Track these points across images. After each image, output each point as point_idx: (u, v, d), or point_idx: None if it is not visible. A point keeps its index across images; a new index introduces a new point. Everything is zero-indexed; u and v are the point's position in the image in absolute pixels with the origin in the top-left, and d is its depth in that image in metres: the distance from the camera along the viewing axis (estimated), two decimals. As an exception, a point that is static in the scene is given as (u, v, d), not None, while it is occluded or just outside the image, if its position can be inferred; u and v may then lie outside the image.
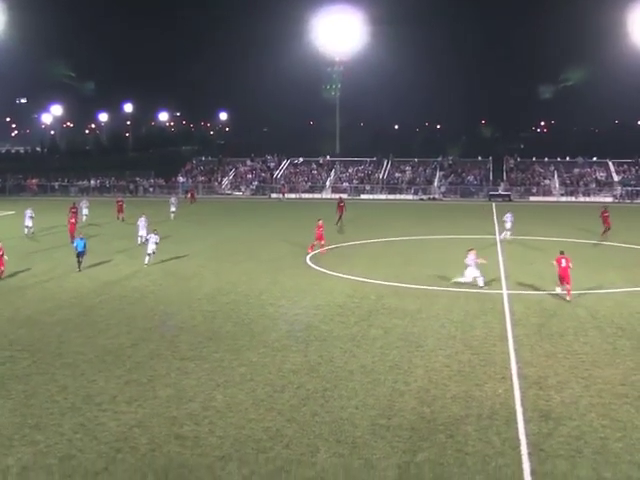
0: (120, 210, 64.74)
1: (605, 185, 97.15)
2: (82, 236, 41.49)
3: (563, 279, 32.64)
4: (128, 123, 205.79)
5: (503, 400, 19.99)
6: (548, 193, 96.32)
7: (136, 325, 28.21)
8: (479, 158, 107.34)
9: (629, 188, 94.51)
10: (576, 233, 55.13)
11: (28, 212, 54.70)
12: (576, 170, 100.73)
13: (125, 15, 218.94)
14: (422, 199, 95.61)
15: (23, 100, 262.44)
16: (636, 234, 54.13)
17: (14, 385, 21.23)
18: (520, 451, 16.87)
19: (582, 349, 24.78)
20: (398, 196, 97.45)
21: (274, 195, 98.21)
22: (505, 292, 33.81)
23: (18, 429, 18.10)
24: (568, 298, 32.18)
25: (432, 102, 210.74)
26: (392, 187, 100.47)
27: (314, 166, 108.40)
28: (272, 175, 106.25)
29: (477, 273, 34.66)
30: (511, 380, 21.61)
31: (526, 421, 18.54)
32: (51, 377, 21.99)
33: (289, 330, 27.76)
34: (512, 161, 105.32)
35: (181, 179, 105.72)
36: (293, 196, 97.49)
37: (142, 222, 49.43)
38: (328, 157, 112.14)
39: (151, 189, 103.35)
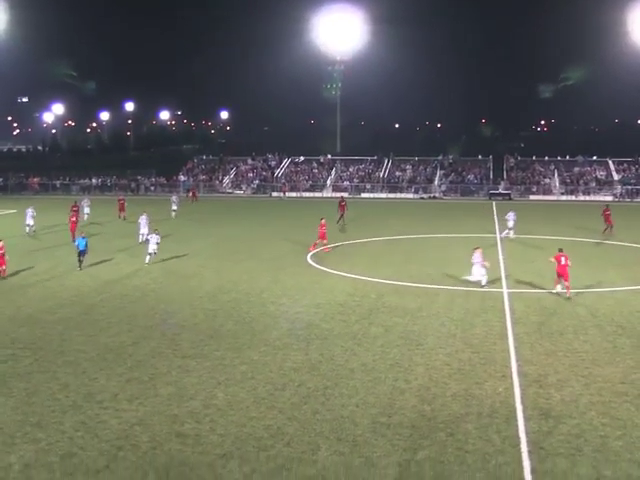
0: (122, 209, 64.77)
1: (605, 184, 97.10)
2: (84, 235, 41.52)
3: (561, 277, 32.74)
4: (129, 122, 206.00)
5: (503, 398, 20.03)
6: (548, 192, 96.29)
7: (137, 323, 28.25)
8: (479, 157, 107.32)
9: (629, 187, 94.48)
10: (576, 232, 55.13)
11: (29, 211, 54.72)
12: (576, 169, 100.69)
13: (126, 15, 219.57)
14: (422, 198, 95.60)
15: (25, 99, 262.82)
16: (636, 233, 54.17)
17: (16, 383, 21.27)
18: (520, 449, 16.90)
19: (582, 347, 24.82)
20: (399, 195, 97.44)
21: (275, 194, 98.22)
22: (505, 290, 33.86)
23: (20, 427, 18.15)
24: (568, 295, 32.27)
25: (432, 101, 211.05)
26: (393, 186, 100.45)
27: (315, 165, 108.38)
28: (273, 174, 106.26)
29: (483, 272, 34.71)
30: (511, 378, 21.65)
31: (526, 419, 18.57)
32: (52, 375, 22.04)
33: (290, 328, 27.82)
34: (512, 160, 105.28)
35: (182, 178, 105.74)
36: (294, 195, 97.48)
37: (143, 220, 49.50)
38: (329, 156, 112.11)
39: (152, 188, 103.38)
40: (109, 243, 49.16)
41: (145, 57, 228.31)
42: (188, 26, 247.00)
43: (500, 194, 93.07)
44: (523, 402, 19.72)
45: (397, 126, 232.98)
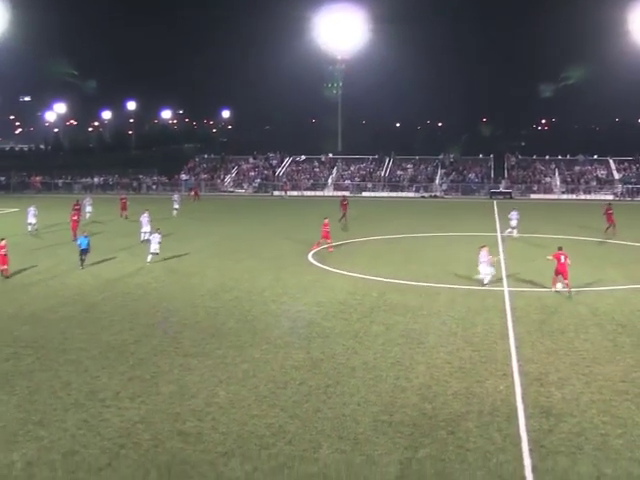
0: (124, 208, 64.77)
1: (606, 183, 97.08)
2: (86, 234, 41.57)
3: (560, 275, 32.87)
4: (131, 121, 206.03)
5: (504, 397, 20.08)
6: (549, 191, 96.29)
7: (139, 322, 28.31)
8: (480, 156, 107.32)
9: (630, 186, 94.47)
10: (578, 231, 55.12)
11: (31, 210, 54.73)
12: (577, 168, 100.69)
13: (128, 14, 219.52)
14: (424, 197, 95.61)
15: (27, 98, 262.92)
16: (637, 232, 54.12)
17: (18, 381, 21.33)
18: (521, 447, 16.95)
19: (583, 346, 24.87)
20: (400, 194, 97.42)
21: (276, 193, 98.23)
22: (506, 289, 33.89)
23: (22, 425, 18.21)
24: (568, 293, 32.45)
25: (433, 100, 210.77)
26: (394, 185, 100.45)
27: (316, 164, 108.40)
28: (274, 173, 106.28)
29: (489, 270, 34.76)
30: (512, 377, 21.70)
31: (527, 417, 18.62)
32: (55, 373, 22.10)
33: (291, 327, 27.92)
34: (513, 159, 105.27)
35: (184, 177, 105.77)
36: (295, 194, 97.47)
37: (145, 218, 49.58)
38: (330, 155, 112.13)
39: (154, 186, 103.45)
40: (111, 242, 49.17)
41: (147, 56, 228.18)
42: (190, 25, 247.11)
43: (501, 193, 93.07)
44: (524, 400, 19.76)
45: (398, 125, 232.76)
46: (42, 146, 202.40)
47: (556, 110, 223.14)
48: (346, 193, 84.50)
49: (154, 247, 40.91)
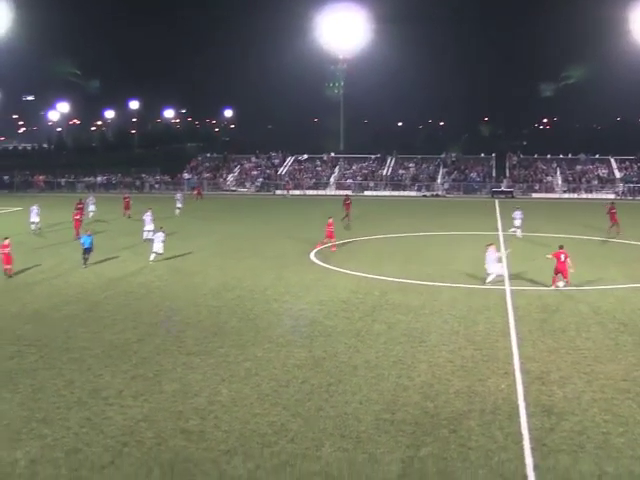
0: (127, 207, 64.81)
1: (607, 182, 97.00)
2: (89, 233, 41.62)
3: (560, 273, 33.01)
4: (134, 120, 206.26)
5: (506, 395, 20.13)
6: (550, 190, 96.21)
7: (142, 320, 28.37)
8: (482, 155, 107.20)
9: (631, 185, 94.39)
10: (579, 230, 55.12)
11: (34, 208, 54.75)
12: (578, 167, 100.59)
13: (131, 14, 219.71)
14: (425, 196, 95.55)
15: (30, 97, 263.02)
16: (638, 231, 54.05)
17: (22, 379, 21.41)
18: (523, 446, 17.00)
19: (584, 345, 24.91)
20: (402, 193, 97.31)
21: (279, 192, 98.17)
22: (508, 288, 33.90)
23: (26, 423, 18.29)
24: (567, 284, 32.99)
25: (435, 99, 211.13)
26: (396, 184, 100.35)
27: (318, 163, 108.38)
28: (277, 172, 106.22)
29: (497, 269, 34.81)
30: (514, 375, 21.74)
31: (529, 416, 18.67)
32: (58, 372, 22.18)
33: (294, 325, 27.98)
34: (515, 158, 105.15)
35: (186, 176, 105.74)
36: (297, 193, 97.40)
37: (148, 216, 49.66)
38: (332, 154, 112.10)
39: (157, 185, 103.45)
40: (114, 241, 49.20)
41: (150, 56, 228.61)
42: (192, 25, 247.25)
43: (503, 192, 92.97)
44: (526, 399, 19.81)
45: (400, 124, 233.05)
46: (45, 145, 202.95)
47: (557, 109, 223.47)
48: (349, 192, 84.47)
49: (158, 246, 40.95)
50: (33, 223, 54.31)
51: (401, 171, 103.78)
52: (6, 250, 36.91)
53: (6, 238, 37.52)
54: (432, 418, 18.60)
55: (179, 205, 67.72)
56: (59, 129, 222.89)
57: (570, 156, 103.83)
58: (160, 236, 41.34)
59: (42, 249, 46.38)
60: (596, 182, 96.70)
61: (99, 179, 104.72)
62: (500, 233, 52.60)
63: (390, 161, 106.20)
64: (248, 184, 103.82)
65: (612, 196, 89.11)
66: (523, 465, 16.10)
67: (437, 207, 79.86)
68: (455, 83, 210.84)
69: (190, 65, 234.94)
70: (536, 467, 15.98)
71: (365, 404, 19.50)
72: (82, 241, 40.41)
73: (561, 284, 33.46)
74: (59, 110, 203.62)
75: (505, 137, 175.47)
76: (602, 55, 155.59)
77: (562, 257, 33.14)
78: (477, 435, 17.57)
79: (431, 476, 15.69)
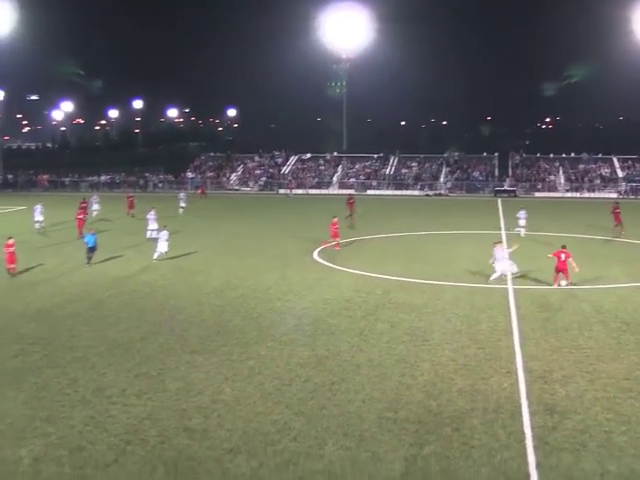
0: (131, 206, 64.91)
1: (610, 181, 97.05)
2: (93, 231, 41.70)
3: (561, 272, 33.16)
4: (138, 119, 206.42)
5: (508, 394, 20.14)
6: (553, 189, 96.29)
7: (146, 319, 28.41)
8: (485, 154, 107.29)
9: (633, 184, 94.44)
10: (581, 229, 55.16)
11: (38, 207, 54.83)
12: (581, 166, 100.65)
13: (135, 14, 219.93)
14: (428, 195, 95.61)
15: (34, 97, 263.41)
16: (641, 230, 54.04)
17: (26, 378, 21.44)
18: (525, 444, 17.00)
19: (587, 343, 24.91)
20: (404, 192, 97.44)
21: (282, 191, 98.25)
22: (510, 287, 33.89)
23: (30, 421, 18.32)
24: (568, 282, 33.21)
25: (438, 99, 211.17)
26: (398, 183, 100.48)
27: (321, 162, 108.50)
28: (280, 171, 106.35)
29: (508, 263, 34.86)
30: (516, 374, 21.74)
31: (531, 414, 18.67)
32: (62, 370, 22.21)
33: (297, 324, 27.99)
34: (517, 157, 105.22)
35: (190, 175, 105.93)
36: (300, 192, 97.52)
37: (152, 216, 49.74)
38: (335, 153, 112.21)
39: (160, 184, 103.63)
40: (118, 240, 49.21)
41: (153, 55, 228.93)
42: (195, 25, 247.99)
43: (505, 191, 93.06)
44: (528, 398, 19.81)
45: (403, 123, 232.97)
46: (49, 145, 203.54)
47: (560, 108, 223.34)
48: (352, 191, 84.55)
49: (162, 245, 41.01)
50: (37, 222, 54.34)
51: (404, 170, 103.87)
52: (10, 249, 36.98)
53: (10, 237, 37.61)
54: (435, 417, 18.62)
55: (182, 204, 67.83)
56: (63, 128, 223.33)
57: (573, 155, 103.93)
58: (164, 235, 41.42)
59: (46, 248, 46.45)
60: (599, 181, 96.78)
61: (103, 178, 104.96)
62: (503, 232, 52.57)
63: (393, 160, 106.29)
64: (251, 183, 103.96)
65: (615, 195, 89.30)
66: (526, 463, 16.10)
67: (440, 206, 79.87)
68: (458, 82, 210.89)
69: (193, 65, 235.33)
70: (539, 465, 15.98)
71: (368, 403, 19.52)
72: (86, 240, 40.49)
73: (563, 283, 33.55)
74: (63, 109, 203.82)
75: (508, 136, 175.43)
76: (605, 54, 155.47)
77: (562, 256, 33.26)
78: (480, 433, 17.58)
79: (434, 474, 15.70)
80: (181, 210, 66.93)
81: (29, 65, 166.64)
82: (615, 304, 30.67)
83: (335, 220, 46.11)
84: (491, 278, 34.68)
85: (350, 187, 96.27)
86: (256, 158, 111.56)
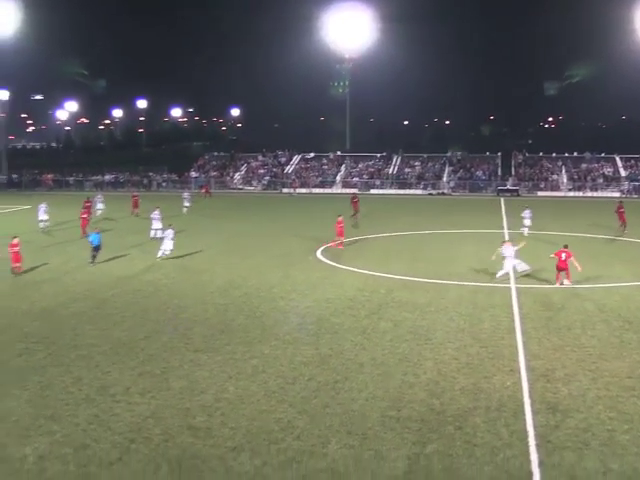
0: (135, 205, 65.04)
1: (612, 180, 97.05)
2: (98, 230, 41.81)
3: (562, 271, 33.31)
4: (142, 119, 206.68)
5: (511, 392, 20.17)
6: (556, 188, 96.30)
7: (150, 318, 28.47)
8: (487, 153, 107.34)
9: (636, 183, 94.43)
10: (584, 228, 55.19)
11: (42, 207, 54.97)
12: (584, 165, 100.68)
13: (139, 14, 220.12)
14: (431, 194, 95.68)
15: (39, 97, 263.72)
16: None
17: (30, 376, 21.52)
18: (528, 443, 17.03)
19: (589, 342, 24.94)
20: (407, 191, 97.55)
21: (285, 190, 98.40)
22: (513, 286, 33.91)
23: (34, 419, 18.39)
24: (569, 283, 33.27)
25: (441, 98, 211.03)
26: (402, 182, 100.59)
27: (325, 161, 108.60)
28: (283, 170, 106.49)
29: (516, 262, 34.95)
30: (519, 373, 21.77)
31: (534, 413, 18.70)
32: (66, 369, 22.27)
33: (300, 323, 28.03)
34: (520, 156, 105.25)
35: (194, 174, 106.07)
36: (304, 191, 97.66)
37: (156, 215, 49.83)
38: (338, 152, 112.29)
39: (164, 184, 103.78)
40: (122, 239, 49.24)
41: (157, 55, 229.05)
42: (199, 25, 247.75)
43: (508, 190, 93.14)
44: (531, 396, 19.84)
45: (406, 123, 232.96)
46: (54, 144, 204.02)
47: (563, 108, 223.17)
48: (355, 191, 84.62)
49: (168, 244, 41.09)
50: (42, 221, 54.46)
51: (407, 169, 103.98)
52: (15, 249, 37.09)
53: (15, 237, 37.74)
54: (438, 415, 18.66)
55: (187, 204, 67.92)
56: (67, 128, 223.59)
57: (575, 154, 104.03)
58: (170, 233, 41.51)
59: (50, 247, 46.54)
60: (601, 180, 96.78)
61: (107, 177, 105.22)
62: (506, 231, 52.62)
63: (396, 160, 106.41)
64: (255, 182, 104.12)
65: (617, 194, 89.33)
66: (528, 462, 16.13)
67: (443, 205, 79.91)
68: (461, 82, 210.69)
69: (197, 64, 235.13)
70: (541, 464, 16.02)
71: (371, 401, 19.57)
72: (90, 239, 40.57)
73: (566, 282, 33.63)
74: (67, 109, 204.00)
75: (510, 136, 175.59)
76: (607, 53, 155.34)
77: (563, 256, 33.36)
78: (482, 432, 17.62)
79: (437, 473, 15.74)
80: (185, 209, 67.02)
81: (33, 65, 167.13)
82: (618, 303, 30.69)
83: (340, 219, 46.17)
84: (497, 275, 34.75)
85: (353, 186, 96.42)
86: (259, 157, 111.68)
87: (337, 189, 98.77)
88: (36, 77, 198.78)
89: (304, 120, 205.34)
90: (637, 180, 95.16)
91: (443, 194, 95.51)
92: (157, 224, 48.76)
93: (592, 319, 28.10)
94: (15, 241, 37.35)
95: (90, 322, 27.82)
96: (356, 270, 38.32)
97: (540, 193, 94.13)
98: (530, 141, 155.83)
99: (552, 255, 34.24)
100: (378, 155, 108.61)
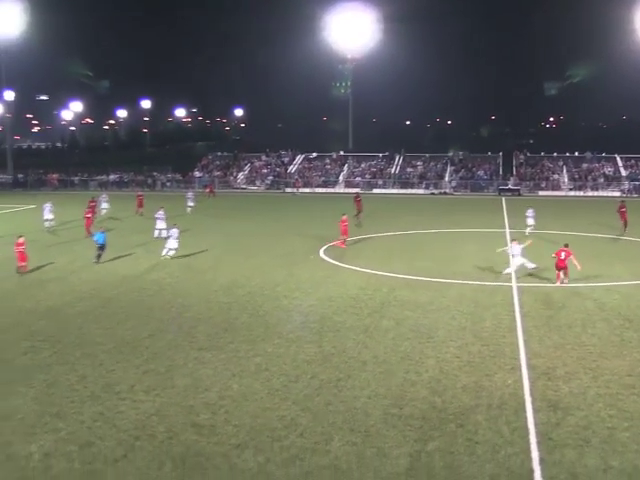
0: (140, 204, 65.07)
1: (613, 180, 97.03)
2: (103, 230, 41.95)
3: (562, 269, 33.44)
4: (146, 119, 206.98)
5: (512, 390, 20.28)
6: (557, 188, 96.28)
7: (154, 316, 28.60)
8: (489, 153, 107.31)
9: (637, 182, 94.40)
10: (585, 227, 55.19)
11: (47, 206, 55.10)
12: (584, 165, 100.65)
13: (143, 14, 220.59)
14: (433, 193, 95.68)
15: (44, 97, 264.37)
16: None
17: (36, 374, 21.66)
18: (529, 440, 17.13)
19: (590, 341, 25.02)
20: (410, 191, 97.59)
21: (288, 189, 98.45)
22: (514, 284, 34.00)
23: (40, 417, 18.53)
24: (566, 282, 33.50)
25: (443, 98, 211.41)
26: (404, 182, 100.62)
27: (327, 161, 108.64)
28: (286, 170, 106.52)
29: (524, 260, 35.09)
30: (520, 371, 21.87)
31: (535, 411, 18.80)
32: (71, 367, 22.41)
33: (303, 321, 28.13)
34: (521, 156, 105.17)
35: (197, 174, 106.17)
36: (307, 190, 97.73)
37: (160, 215, 49.93)
38: (341, 152, 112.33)
39: (168, 184, 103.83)
40: (126, 238, 49.26)
41: (161, 56, 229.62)
42: (203, 26, 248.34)
43: (509, 190, 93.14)
44: (532, 394, 19.95)
45: (408, 123, 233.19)
46: (59, 144, 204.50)
47: (564, 108, 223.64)
48: (358, 190, 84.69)
49: (172, 243, 41.22)
50: (47, 220, 54.56)
51: (409, 169, 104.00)
52: (21, 248, 37.25)
53: (20, 236, 37.92)
54: (439, 413, 18.77)
55: (190, 203, 67.91)
56: (72, 128, 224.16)
57: (576, 154, 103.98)
58: (175, 232, 41.63)
59: (55, 246, 46.67)
60: (602, 180, 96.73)
61: (111, 177, 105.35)
62: (507, 230, 52.66)
63: (398, 159, 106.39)
64: (258, 182, 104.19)
65: (618, 194, 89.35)
66: (529, 459, 16.24)
67: (445, 205, 79.90)
68: (462, 82, 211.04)
69: (201, 65, 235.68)
70: (542, 461, 16.13)
71: (373, 399, 19.68)
72: (96, 238, 40.72)
73: (567, 281, 33.79)
74: (72, 109, 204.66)
75: (512, 135, 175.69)
76: (608, 53, 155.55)
77: (562, 254, 33.52)
78: (484, 429, 17.73)
79: (438, 470, 15.85)
80: (189, 209, 67.04)
81: (39, 66, 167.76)
82: (618, 301, 30.78)
83: (344, 217, 46.31)
84: (504, 272, 34.96)
85: (356, 186, 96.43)
86: (263, 157, 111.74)
87: (340, 189, 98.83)
88: (41, 78, 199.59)
89: (307, 120, 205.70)
90: (637, 180, 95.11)
91: (445, 194, 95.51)
92: (161, 224, 48.86)
93: (592, 318, 28.19)
94: (21, 240, 37.51)
95: (95, 321, 27.97)
96: (359, 269, 38.42)
97: (541, 193, 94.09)
98: (531, 141, 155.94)
99: (554, 255, 34.34)
100: (380, 155, 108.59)
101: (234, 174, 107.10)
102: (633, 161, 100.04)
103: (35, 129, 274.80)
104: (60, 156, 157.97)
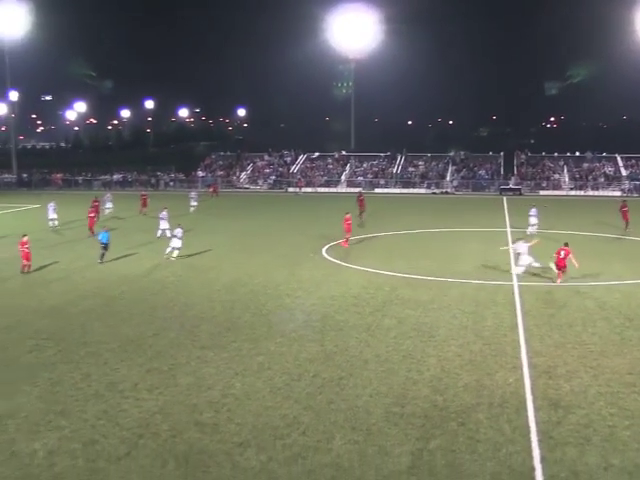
0: (144, 204, 65.15)
1: (613, 179, 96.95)
2: (106, 229, 42.05)
3: (561, 268, 33.55)
4: (149, 119, 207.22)
5: (514, 389, 20.36)
6: (558, 187, 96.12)
7: (157, 315, 28.72)
8: (490, 153, 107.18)
9: (637, 182, 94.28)
10: (585, 226, 55.16)
11: (51, 205, 55.19)
12: (585, 165, 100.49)
13: (146, 15, 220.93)
14: (435, 193, 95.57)
15: (48, 97, 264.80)
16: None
17: (40, 373, 21.79)
18: (530, 438, 17.23)
19: (591, 339, 25.11)
20: (411, 190, 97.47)
21: (291, 189, 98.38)
22: (515, 283, 34.09)
23: (44, 415, 18.65)
24: (559, 280, 33.54)
25: (444, 98, 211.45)
26: (405, 181, 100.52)
27: (330, 161, 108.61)
28: (289, 169, 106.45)
29: (531, 259, 35.18)
30: (521, 369, 21.96)
31: (536, 409, 18.89)
32: (75, 365, 22.53)
33: (306, 320, 28.19)
34: (523, 156, 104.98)
35: (200, 173, 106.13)
36: (309, 190, 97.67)
37: (164, 215, 49.97)
38: (343, 152, 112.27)
39: (172, 183, 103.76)
40: (130, 237, 49.28)
41: (164, 56, 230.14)
42: (207, 26, 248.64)
43: (511, 189, 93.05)
44: (533, 393, 20.04)
45: (410, 123, 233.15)
46: (63, 144, 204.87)
47: (565, 108, 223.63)
48: (360, 189, 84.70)
49: (176, 243, 41.29)
50: (51, 220, 54.67)
51: (411, 169, 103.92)
52: (25, 247, 37.38)
53: (24, 235, 38.05)
54: (441, 411, 18.86)
55: (194, 203, 67.93)
56: (76, 128, 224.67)
57: (577, 154, 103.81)
58: (179, 232, 41.69)
59: (59, 246, 46.80)
60: (603, 180, 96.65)
61: (115, 177, 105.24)
62: (508, 229, 52.69)
63: (400, 159, 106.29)
64: (261, 182, 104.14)
65: (618, 193, 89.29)
66: (530, 457, 16.33)
67: (446, 204, 79.83)
68: (464, 82, 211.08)
69: (204, 65, 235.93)
70: (543, 459, 16.22)
71: (375, 397, 19.77)
72: (100, 237, 40.83)
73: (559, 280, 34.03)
74: (76, 109, 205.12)
75: (513, 135, 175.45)
76: (608, 53, 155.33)
77: (562, 253, 33.65)
78: (485, 428, 17.81)
79: (440, 468, 15.93)
80: (192, 209, 67.06)
81: (43, 66, 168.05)
82: (619, 300, 30.86)
83: (348, 216, 46.40)
84: (517, 272, 35.07)
85: (358, 185, 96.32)
86: (265, 157, 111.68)
87: (342, 188, 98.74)
88: (45, 78, 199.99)
89: (309, 120, 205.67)
90: (638, 179, 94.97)
91: (446, 193, 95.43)
92: (164, 224, 48.92)
93: (593, 316, 28.27)
94: (25, 239, 37.66)
95: (99, 319, 28.09)
96: (361, 268, 38.49)
97: (542, 192, 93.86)
98: (532, 141, 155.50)
99: (554, 254, 34.42)
100: (382, 155, 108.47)
101: (237, 174, 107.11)
102: (633, 161, 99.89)
103: (39, 129, 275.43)
104: (64, 156, 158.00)
